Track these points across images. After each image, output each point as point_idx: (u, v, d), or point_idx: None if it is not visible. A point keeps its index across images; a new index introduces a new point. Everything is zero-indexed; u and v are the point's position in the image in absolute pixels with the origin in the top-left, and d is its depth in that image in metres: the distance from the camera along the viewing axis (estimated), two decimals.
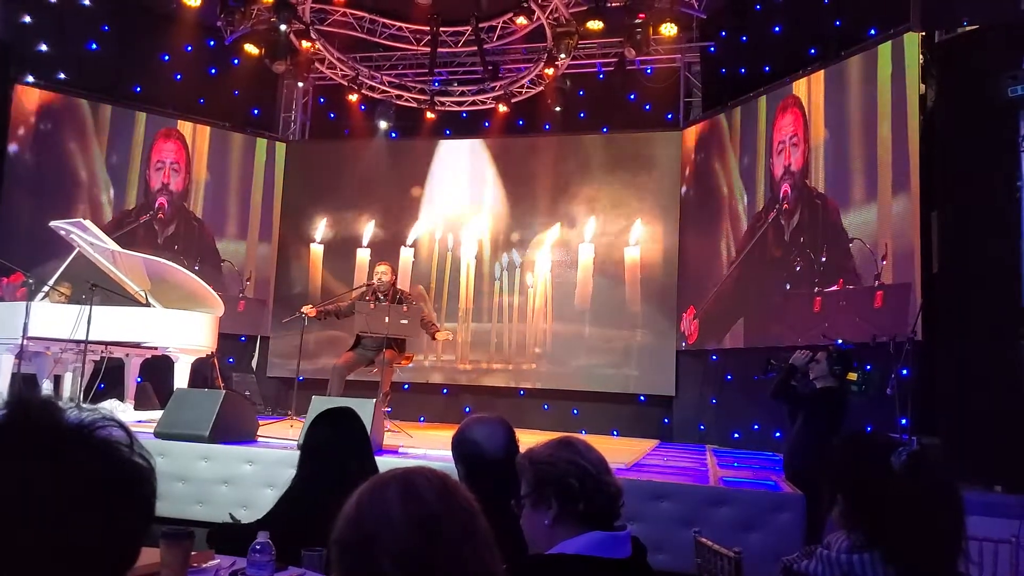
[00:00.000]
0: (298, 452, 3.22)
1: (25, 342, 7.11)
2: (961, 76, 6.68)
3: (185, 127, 11.27)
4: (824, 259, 8.32)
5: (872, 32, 8.07)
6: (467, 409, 10.15)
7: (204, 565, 2.45)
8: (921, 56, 7.31)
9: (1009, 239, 5.89)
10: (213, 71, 11.32)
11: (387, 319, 7.53)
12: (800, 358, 5.62)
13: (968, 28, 6.73)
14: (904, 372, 6.19)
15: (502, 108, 10.99)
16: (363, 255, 11.50)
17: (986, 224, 6.19)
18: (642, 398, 10.49)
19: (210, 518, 5.58)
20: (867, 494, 2.02)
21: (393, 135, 11.73)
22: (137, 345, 7.87)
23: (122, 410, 7.76)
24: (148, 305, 7.85)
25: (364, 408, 5.11)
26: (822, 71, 8.59)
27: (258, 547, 2.31)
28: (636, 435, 9.77)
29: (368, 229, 11.59)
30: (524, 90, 10.94)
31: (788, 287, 8.76)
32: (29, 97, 10.23)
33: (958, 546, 1.95)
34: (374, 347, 7.83)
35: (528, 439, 2.78)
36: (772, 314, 8.95)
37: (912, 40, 7.40)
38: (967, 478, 5.59)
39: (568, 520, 1.82)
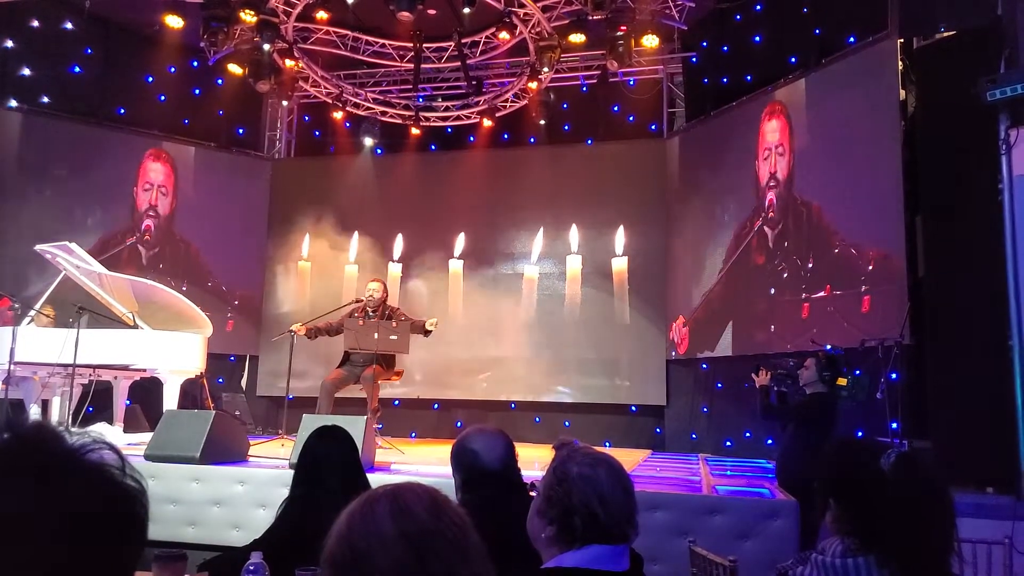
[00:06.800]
0: (290, 471, 3.21)
1: (12, 367, 7.06)
2: (941, 81, 6.74)
3: (170, 148, 11.25)
4: (811, 265, 8.36)
5: (851, 39, 8.14)
6: (459, 424, 10.13)
7: None
8: (900, 62, 7.37)
9: (993, 241, 5.94)
10: (197, 91, 11.32)
11: (376, 335, 7.52)
12: (764, 379, 5.68)
13: (946, 33, 6.80)
14: (893, 376, 6.22)
15: (487, 122, 11.01)
16: (351, 271, 11.50)
17: (970, 226, 6.24)
18: (633, 408, 10.48)
19: (202, 540, 5.56)
20: (859, 498, 2.03)
21: (378, 151, 11.74)
22: (125, 367, 7.83)
23: (111, 433, 7.70)
24: (136, 327, 7.82)
25: (355, 425, 5.11)
26: (803, 79, 8.66)
27: (252, 568, 2.30)
28: (628, 445, 9.76)
29: (355, 245, 11.58)
30: (508, 104, 10.98)
31: (774, 293, 8.80)
32: (12, 121, 10.20)
33: (950, 546, 1.96)
34: (362, 363, 7.82)
35: (521, 452, 2.79)
36: (761, 321, 8.97)
37: (891, 46, 7.46)
38: (959, 481, 5.62)
39: (567, 538, 1.82)
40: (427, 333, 7.93)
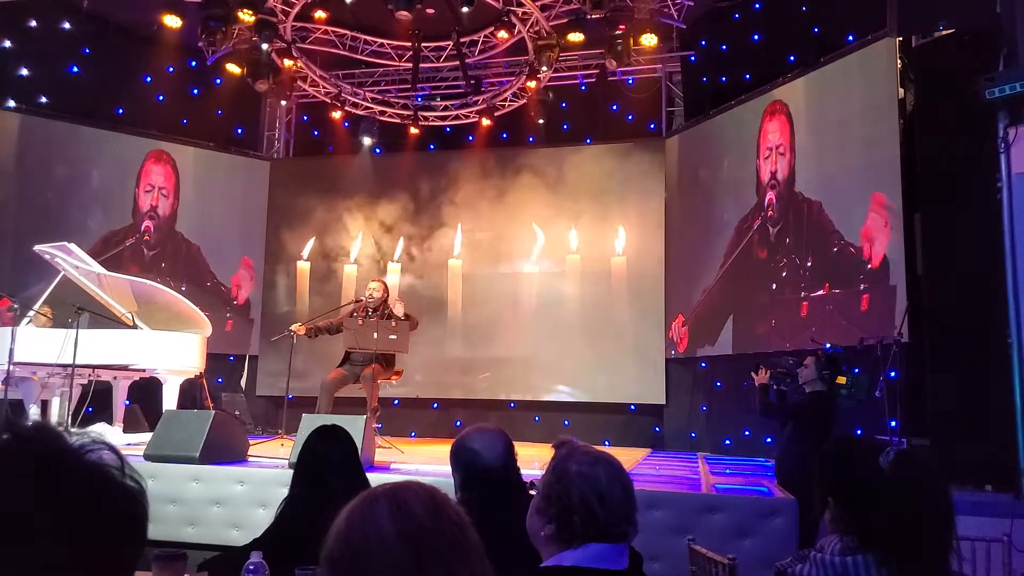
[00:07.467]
0: (289, 471, 3.21)
1: (11, 368, 7.06)
2: (939, 79, 6.75)
3: (169, 148, 11.24)
4: (810, 264, 8.36)
5: (850, 38, 8.14)
6: (458, 423, 10.12)
7: None
8: (899, 61, 7.38)
9: (992, 239, 5.94)
10: (195, 91, 11.31)
11: (375, 335, 7.52)
12: (763, 377, 5.69)
13: (944, 32, 6.80)
14: (892, 374, 6.22)
15: (485, 122, 11.00)
16: (350, 271, 11.50)
17: (969, 225, 6.24)
18: (633, 407, 10.48)
19: (202, 540, 5.56)
20: (857, 496, 2.03)
21: (377, 151, 11.74)
22: (125, 368, 7.82)
23: (111, 433, 7.69)
24: (135, 327, 7.81)
25: (355, 425, 5.11)
26: (802, 78, 8.66)
27: (252, 567, 2.30)
28: (628, 444, 9.76)
29: (354, 245, 11.58)
30: (507, 103, 10.98)
31: (774, 290, 8.80)
32: (11, 122, 10.19)
33: (948, 544, 1.96)
34: (362, 363, 7.82)
35: (520, 451, 2.79)
36: (760, 320, 8.98)
37: (890, 45, 7.47)
38: (958, 478, 5.62)
39: (566, 536, 1.82)
40: (408, 319, 7.90)
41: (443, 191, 11.45)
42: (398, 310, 7.90)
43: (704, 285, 9.84)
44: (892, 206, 7.45)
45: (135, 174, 11.01)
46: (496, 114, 11.00)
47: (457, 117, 11.31)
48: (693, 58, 10.59)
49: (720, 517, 5.12)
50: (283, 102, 11.99)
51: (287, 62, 10.30)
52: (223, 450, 6.18)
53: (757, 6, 9.62)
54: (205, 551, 4.08)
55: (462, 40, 10.10)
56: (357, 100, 11.31)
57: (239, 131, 12.01)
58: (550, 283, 11.00)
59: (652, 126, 11.07)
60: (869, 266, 7.61)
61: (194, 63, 10.86)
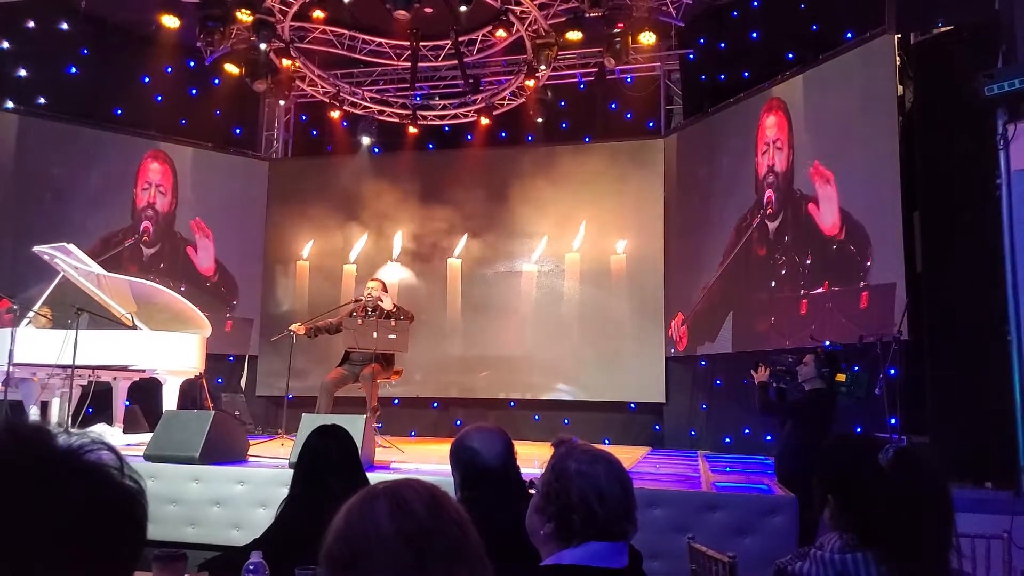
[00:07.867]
0: (289, 471, 3.21)
1: (11, 369, 7.05)
2: (938, 76, 6.75)
3: (168, 148, 11.24)
4: (809, 262, 8.36)
5: (849, 35, 8.14)
6: (458, 422, 10.12)
7: None
8: (898, 58, 7.37)
9: (991, 236, 5.94)
10: (194, 92, 11.31)
11: (375, 334, 7.52)
12: (763, 375, 5.70)
13: (943, 28, 6.80)
14: (892, 372, 6.22)
15: (484, 121, 11.00)
16: (349, 270, 11.49)
17: (968, 222, 6.25)
18: (632, 406, 10.48)
19: (202, 540, 5.56)
20: (856, 494, 2.03)
21: (376, 150, 11.73)
22: (124, 368, 7.82)
23: (111, 434, 7.69)
24: (135, 328, 7.81)
25: (354, 424, 5.11)
26: (800, 75, 8.65)
27: (251, 567, 2.30)
28: (628, 443, 9.77)
29: (355, 245, 11.58)
30: (505, 102, 10.97)
31: (773, 288, 8.80)
32: (9, 123, 10.18)
33: (948, 541, 1.96)
34: (361, 362, 7.82)
35: (520, 450, 2.79)
36: (759, 318, 8.98)
37: (888, 42, 7.46)
38: (957, 475, 5.63)
39: (565, 534, 1.82)
40: (399, 310, 8.00)
41: (442, 190, 11.44)
42: (386, 303, 7.92)
43: (703, 283, 9.84)
44: (831, 168, 7.95)
45: (134, 174, 11.01)
46: (495, 113, 10.99)
47: (456, 116, 11.31)
48: (692, 56, 10.59)
49: (720, 515, 5.12)
50: (281, 102, 11.98)
51: (285, 62, 10.29)
52: (223, 450, 6.18)
53: (755, 4, 9.62)
54: (205, 551, 4.08)
55: (460, 39, 10.10)
56: (356, 100, 11.31)
57: (237, 131, 12.00)
58: (550, 282, 11.00)
59: (651, 124, 11.07)
60: (825, 234, 7.80)
61: (192, 63, 10.85)
